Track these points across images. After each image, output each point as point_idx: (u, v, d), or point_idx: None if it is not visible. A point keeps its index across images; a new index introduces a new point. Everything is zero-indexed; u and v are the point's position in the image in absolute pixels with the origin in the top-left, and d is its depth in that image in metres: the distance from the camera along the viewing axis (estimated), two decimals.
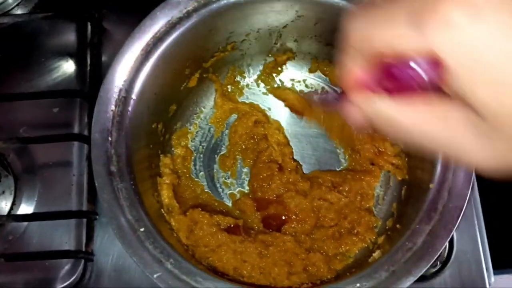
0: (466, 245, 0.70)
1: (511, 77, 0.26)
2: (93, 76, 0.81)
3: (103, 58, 0.83)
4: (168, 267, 0.54)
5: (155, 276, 0.53)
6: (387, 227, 0.66)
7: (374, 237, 0.68)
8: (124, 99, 0.60)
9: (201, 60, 0.72)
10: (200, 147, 0.78)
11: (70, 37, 0.85)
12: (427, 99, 0.31)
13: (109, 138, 0.58)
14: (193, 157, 0.76)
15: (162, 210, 0.66)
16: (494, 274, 0.71)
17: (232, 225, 0.69)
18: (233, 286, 0.54)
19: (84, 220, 0.74)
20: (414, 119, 0.32)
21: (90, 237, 0.74)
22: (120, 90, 0.60)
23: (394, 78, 0.30)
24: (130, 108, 0.60)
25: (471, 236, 0.70)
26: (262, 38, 0.72)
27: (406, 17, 0.28)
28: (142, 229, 0.55)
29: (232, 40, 0.72)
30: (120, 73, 0.60)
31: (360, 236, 0.68)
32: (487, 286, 0.70)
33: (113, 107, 0.59)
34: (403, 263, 0.53)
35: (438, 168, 0.57)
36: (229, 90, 0.79)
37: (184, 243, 0.64)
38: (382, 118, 0.33)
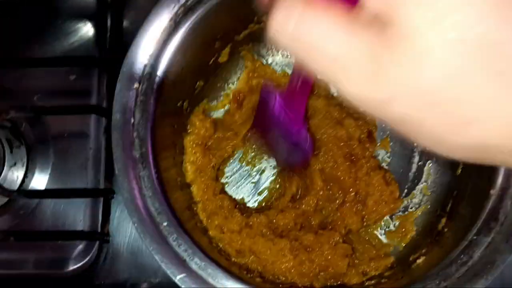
0: None
1: None
2: (113, 42, 0.75)
3: (125, 23, 0.76)
4: (193, 267, 0.49)
5: (178, 277, 0.48)
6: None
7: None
8: (149, 75, 0.54)
9: (233, 33, 0.65)
10: None
11: None
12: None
13: (132, 120, 0.52)
14: None
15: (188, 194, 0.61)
16: None
17: None
18: None
19: (101, 198, 0.69)
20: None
21: (106, 217, 0.70)
22: (145, 65, 0.54)
23: None
24: (155, 86, 0.54)
25: None
26: None
27: None
28: (165, 223, 0.50)
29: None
30: (145, 46, 0.54)
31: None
32: None
33: (136, 85, 0.53)
34: (457, 279, 0.47)
35: (501, 172, 0.50)
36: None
37: (211, 236, 0.60)
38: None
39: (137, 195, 0.50)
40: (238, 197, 0.68)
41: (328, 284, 0.61)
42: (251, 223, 0.64)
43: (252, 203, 0.68)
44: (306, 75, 0.47)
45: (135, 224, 0.49)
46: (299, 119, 0.60)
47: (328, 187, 0.66)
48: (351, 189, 0.66)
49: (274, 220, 0.65)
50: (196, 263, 0.49)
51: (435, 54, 0.24)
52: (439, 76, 0.24)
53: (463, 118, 0.25)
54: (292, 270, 0.61)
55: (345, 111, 0.68)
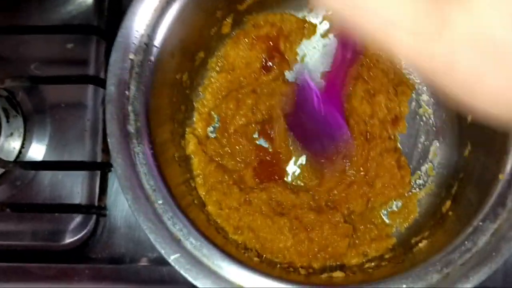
0: None
1: None
2: (111, 10, 0.73)
3: None
4: (188, 247, 0.48)
5: (172, 258, 0.46)
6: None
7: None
8: (145, 46, 0.52)
9: (235, 2, 0.62)
10: None
11: None
12: None
13: (127, 93, 0.50)
14: None
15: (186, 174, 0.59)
16: None
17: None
18: (260, 278, 0.48)
19: (98, 171, 0.68)
20: None
21: (103, 190, 0.69)
22: (142, 36, 0.51)
23: None
24: (152, 58, 0.52)
25: None
26: None
27: None
28: (160, 201, 0.49)
29: None
30: (142, 15, 0.51)
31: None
32: None
33: (132, 56, 0.51)
34: (460, 266, 0.46)
35: (511, 156, 0.48)
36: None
37: (209, 213, 0.59)
38: None
39: (131, 172, 0.49)
40: None
41: (327, 264, 0.60)
42: (250, 199, 0.63)
43: None
44: (353, 46, 0.43)
45: (129, 202, 0.48)
46: (340, 105, 0.58)
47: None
48: (362, 169, 0.64)
49: (273, 196, 0.63)
50: (191, 242, 0.48)
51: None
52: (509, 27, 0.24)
53: None
54: (291, 249, 0.60)
55: (381, 83, 0.65)
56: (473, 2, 0.24)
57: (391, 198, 0.64)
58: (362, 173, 0.64)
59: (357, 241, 0.63)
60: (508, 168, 0.49)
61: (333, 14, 0.30)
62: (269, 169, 0.66)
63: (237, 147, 0.65)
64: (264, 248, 0.60)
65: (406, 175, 0.64)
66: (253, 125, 0.66)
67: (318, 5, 0.49)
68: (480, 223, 0.47)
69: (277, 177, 0.65)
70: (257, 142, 0.66)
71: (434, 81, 0.27)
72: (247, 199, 0.63)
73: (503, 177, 0.48)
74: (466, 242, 0.47)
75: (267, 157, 0.66)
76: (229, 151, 0.65)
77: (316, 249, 0.60)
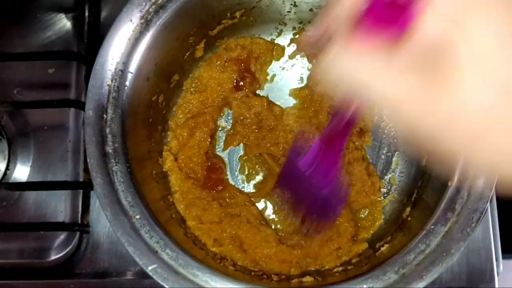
0: (477, 232, 0.66)
1: None
2: (91, 36, 0.76)
3: (102, 16, 0.77)
4: (164, 258, 0.51)
5: (149, 268, 0.50)
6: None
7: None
8: (121, 72, 0.55)
9: (207, 28, 0.66)
10: None
11: None
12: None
13: (104, 116, 0.54)
14: None
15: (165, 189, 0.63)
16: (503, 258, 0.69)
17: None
18: (234, 284, 0.51)
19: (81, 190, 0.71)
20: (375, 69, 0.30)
21: (86, 208, 0.71)
22: (117, 63, 0.55)
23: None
24: (127, 83, 0.55)
25: (483, 223, 0.66)
26: (274, 5, 0.66)
27: None
28: (138, 216, 0.52)
29: (242, 7, 0.66)
30: (117, 45, 0.55)
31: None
32: (495, 275, 0.67)
33: (109, 82, 0.55)
34: (415, 266, 0.50)
35: (459, 164, 0.52)
36: None
37: (188, 227, 0.62)
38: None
39: (110, 190, 0.52)
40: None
41: (307, 269, 0.64)
42: (239, 213, 0.66)
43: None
44: (352, 112, 0.45)
45: (108, 218, 0.51)
46: (336, 165, 0.56)
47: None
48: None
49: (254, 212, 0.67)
50: (168, 253, 0.51)
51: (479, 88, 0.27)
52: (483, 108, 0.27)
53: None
54: (273, 256, 0.63)
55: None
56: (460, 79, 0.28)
57: (364, 205, 0.68)
58: None
59: (336, 245, 0.65)
60: (456, 175, 0.53)
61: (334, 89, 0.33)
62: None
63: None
64: (247, 256, 0.63)
65: (376, 182, 0.68)
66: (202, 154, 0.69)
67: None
68: (432, 227, 0.52)
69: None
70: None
71: (430, 138, 0.30)
72: (229, 213, 0.66)
73: (452, 184, 0.53)
74: (419, 244, 0.51)
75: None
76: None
77: (298, 256, 0.63)
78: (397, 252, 0.52)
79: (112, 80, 0.55)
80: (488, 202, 0.51)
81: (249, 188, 0.70)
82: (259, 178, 0.70)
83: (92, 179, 0.52)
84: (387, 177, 0.69)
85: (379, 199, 0.68)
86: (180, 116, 0.69)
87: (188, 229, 0.64)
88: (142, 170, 0.58)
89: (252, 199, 0.68)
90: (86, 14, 0.76)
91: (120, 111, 0.55)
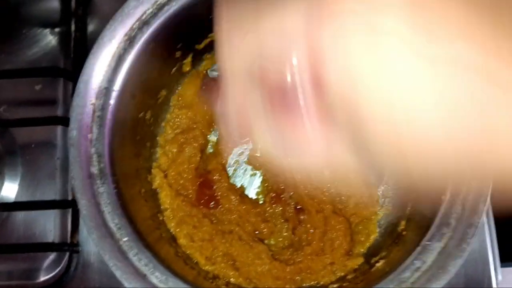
0: (474, 243, 0.64)
1: None
2: (77, 51, 0.75)
3: (89, 32, 0.76)
4: (153, 281, 0.50)
5: None
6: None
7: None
8: (105, 90, 0.54)
9: (193, 43, 0.65)
10: None
11: (53, 6, 0.77)
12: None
13: (89, 136, 0.52)
14: None
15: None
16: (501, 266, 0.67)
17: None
18: None
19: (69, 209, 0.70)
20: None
21: (75, 227, 0.70)
22: (101, 81, 0.54)
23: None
24: (112, 101, 0.54)
25: (479, 234, 0.65)
26: None
27: None
28: (125, 239, 0.51)
29: None
30: (101, 63, 0.54)
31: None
32: (493, 285, 0.66)
33: (93, 100, 0.53)
34: (411, 284, 0.49)
35: (449, 182, 0.51)
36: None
37: (179, 245, 0.61)
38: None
39: (96, 212, 0.51)
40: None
41: (300, 286, 0.62)
42: (230, 230, 0.65)
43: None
44: None
45: (95, 241, 0.50)
46: None
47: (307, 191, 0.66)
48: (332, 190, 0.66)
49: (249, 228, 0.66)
50: (157, 276, 0.50)
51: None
52: None
53: None
54: (267, 273, 0.62)
55: None
56: None
57: (364, 218, 0.66)
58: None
59: (330, 260, 0.64)
60: (448, 189, 0.52)
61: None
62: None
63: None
64: (241, 273, 0.62)
65: (374, 193, 0.66)
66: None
67: None
68: (428, 242, 0.50)
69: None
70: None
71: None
72: (220, 230, 0.65)
73: (445, 198, 0.51)
74: (415, 262, 0.50)
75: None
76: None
77: (291, 271, 0.62)
78: (393, 268, 0.51)
79: (96, 99, 0.53)
80: (483, 215, 0.50)
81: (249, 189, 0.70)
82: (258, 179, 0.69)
83: (77, 202, 0.51)
84: (380, 190, 0.67)
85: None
86: (169, 132, 0.67)
87: (179, 247, 0.62)
88: (130, 189, 0.57)
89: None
90: (73, 29, 0.76)
91: (105, 130, 0.53)
